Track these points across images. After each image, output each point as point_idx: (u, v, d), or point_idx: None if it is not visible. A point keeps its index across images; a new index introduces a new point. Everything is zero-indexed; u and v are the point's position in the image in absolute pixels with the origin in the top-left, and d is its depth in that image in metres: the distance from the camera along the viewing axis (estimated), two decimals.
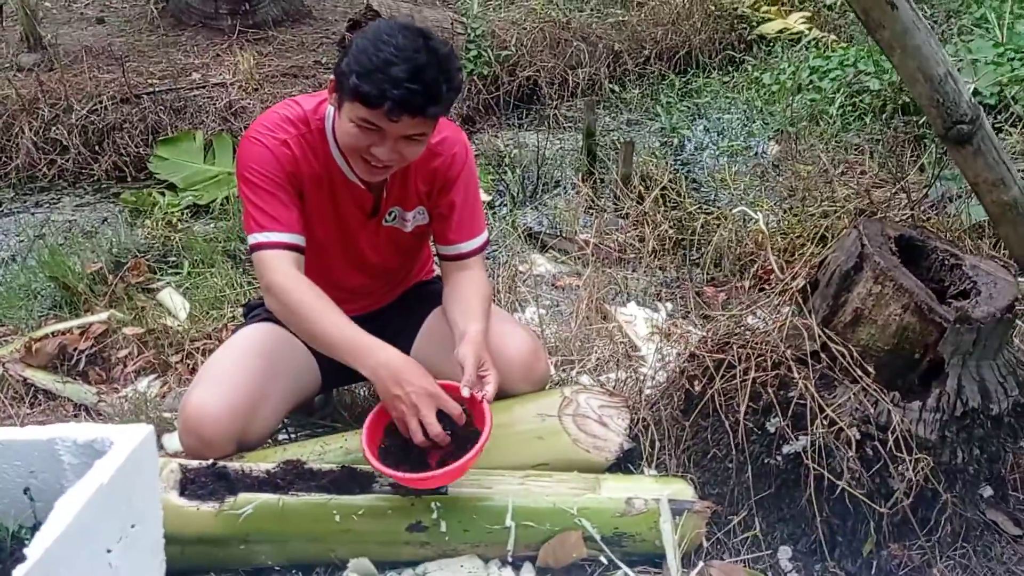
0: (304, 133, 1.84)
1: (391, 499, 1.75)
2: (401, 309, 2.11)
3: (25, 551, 0.94)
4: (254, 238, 1.80)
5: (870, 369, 1.66)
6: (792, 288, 1.83)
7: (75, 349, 2.87)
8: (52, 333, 2.92)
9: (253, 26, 5.97)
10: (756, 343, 1.81)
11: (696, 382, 1.90)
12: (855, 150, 4.22)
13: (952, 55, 4.05)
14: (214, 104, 4.78)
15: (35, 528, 1.05)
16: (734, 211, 3.45)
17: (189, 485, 1.78)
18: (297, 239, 1.81)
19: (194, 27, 6.03)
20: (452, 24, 5.52)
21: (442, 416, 1.70)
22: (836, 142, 4.33)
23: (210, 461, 1.83)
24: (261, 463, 1.84)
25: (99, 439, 1.15)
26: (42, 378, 2.73)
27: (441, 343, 1.97)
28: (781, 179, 4.12)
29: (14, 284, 3.33)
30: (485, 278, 1.99)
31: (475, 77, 5.38)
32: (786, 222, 3.45)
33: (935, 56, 1.43)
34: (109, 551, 1.08)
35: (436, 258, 2.17)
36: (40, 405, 2.60)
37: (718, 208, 3.83)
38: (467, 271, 1.97)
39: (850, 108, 4.66)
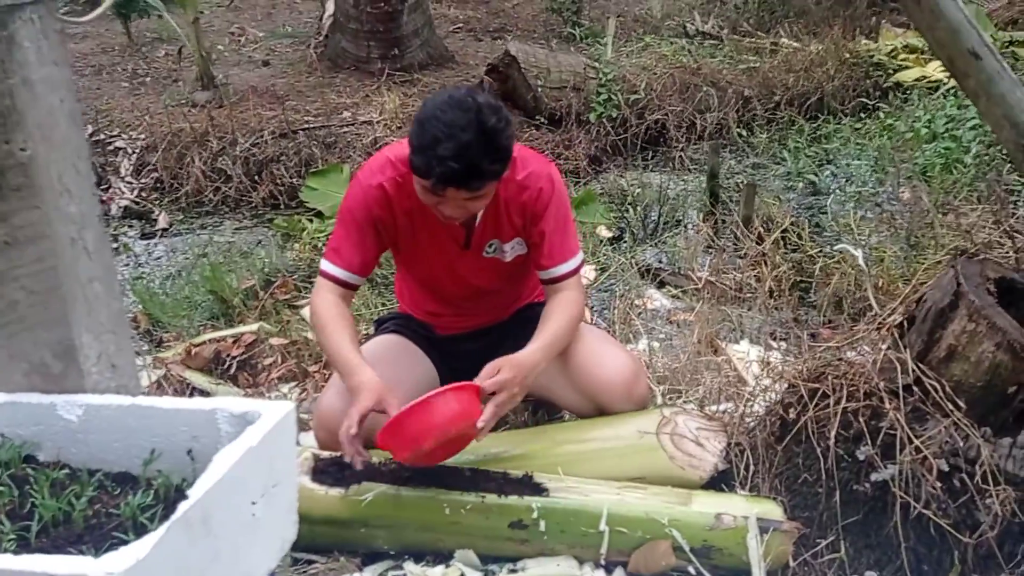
0: (403, 174, 2.01)
1: (494, 497, 1.91)
2: (514, 327, 2.28)
3: (187, 492, 1.16)
4: (322, 264, 2.10)
5: (961, 404, 1.70)
6: (888, 323, 1.89)
7: (228, 355, 3.19)
8: (209, 340, 3.26)
9: (400, 69, 6.40)
10: (851, 375, 1.88)
11: (791, 409, 1.97)
12: (988, 199, 4.12)
13: None
14: (361, 140, 5.16)
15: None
16: (836, 248, 3.45)
17: (319, 473, 2.01)
18: (349, 276, 2.07)
19: (348, 70, 6.51)
20: (585, 69, 5.74)
21: None
22: (969, 190, 4.25)
23: (339, 453, 2.05)
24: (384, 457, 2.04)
25: (251, 411, 1.36)
26: (199, 379, 3.04)
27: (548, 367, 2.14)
28: (907, 224, 4.07)
29: (179, 296, 3.71)
30: (575, 299, 2.10)
31: (604, 120, 5.56)
32: (905, 265, 3.43)
33: (1020, 103, 1.49)
34: (254, 503, 1.28)
35: None
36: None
37: (840, 253, 3.83)
38: (560, 293, 2.10)
39: (986, 158, 4.55)
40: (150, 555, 1.05)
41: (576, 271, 2.10)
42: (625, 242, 4.32)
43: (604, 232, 4.43)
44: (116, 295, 1.52)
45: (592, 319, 3.50)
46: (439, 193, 1.85)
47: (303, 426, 2.63)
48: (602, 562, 1.91)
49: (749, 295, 3.66)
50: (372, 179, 2.03)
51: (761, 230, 3.99)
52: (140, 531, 1.22)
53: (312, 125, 5.28)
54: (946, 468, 1.68)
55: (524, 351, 1.96)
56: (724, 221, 4.41)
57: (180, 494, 1.26)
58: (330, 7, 6.84)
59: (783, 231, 3.93)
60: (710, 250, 4.14)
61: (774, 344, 3.26)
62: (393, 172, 2.03)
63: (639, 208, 4.63)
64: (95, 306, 1.45)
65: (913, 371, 1.77)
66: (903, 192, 4.68)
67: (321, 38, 6.88)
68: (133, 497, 1.30)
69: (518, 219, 2.08)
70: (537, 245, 2.08)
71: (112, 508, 1.31)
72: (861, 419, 1.79)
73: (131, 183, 4.97)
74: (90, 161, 1.46)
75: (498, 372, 1.89)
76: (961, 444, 1.69)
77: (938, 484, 1.68)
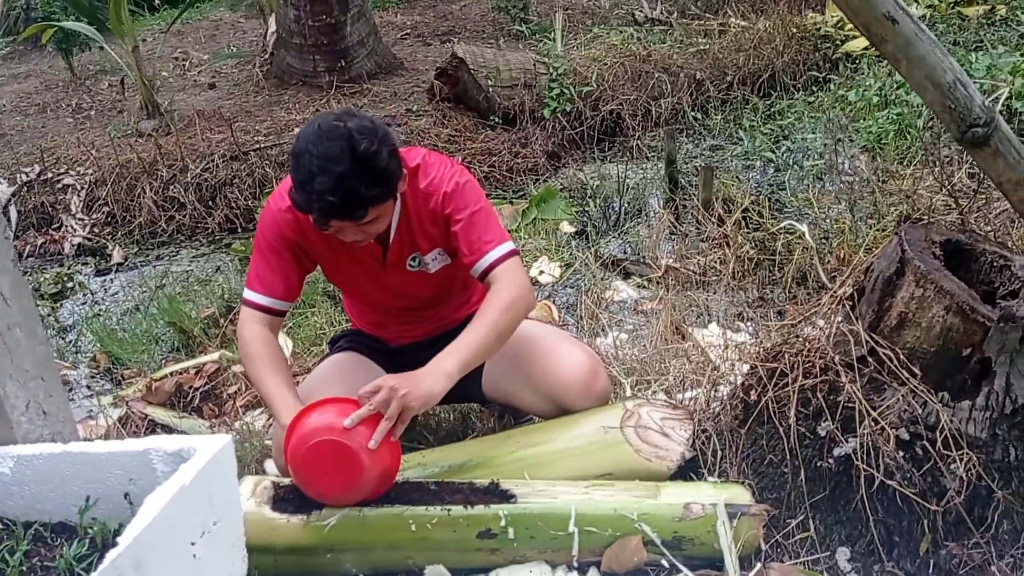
0: None
1: (461, 509, 1.88)
2: None
3: (117, 539, 1.11)
4: (245, 292, 2.05)
5: (917, 371, 1.68)
6: (840, 296, 1.87)
7: (190, 387, 3.13)
8: (171, 373, 3.19)
9: (348, 80, 6.34)
10: (807, 351, 1.86)
11: (752, 391, 1.95)
12: (945, 161, 4.14)
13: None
14: None
15: None
16: (782, 225, 3.46)
17: (280, 501, 1.96)
18: (272, 302, 2.02)
19: (295, 86, 6.44)
20: (535, 65, 5.71)
21: None
22: (924, 155, 4.26)
23: None
24: None
25: (186, 448, 1.32)
26: (161, 414, 2.99)
27: (507, 365, 2.10)
28: (865, 194, 4.08)
29: (138, 331, 3.64)
30: (506, 288, 1.95)
31: (558, 114, 5.54)
32: (859, 236, 3.43)
33: (941, 64, 1.47)
34: (193, 543, 1.24)
35: None
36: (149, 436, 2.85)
37: (792, 227, 3.82)
38: (492, 287, 1.98)
39: (936, 123, 4.56)
40: None
41: (504, 258, 1.98)
42: (588, 236, 4.30)
43: (567, 227, 4.41)
44: (41, 340, 1.47)
45: (559, 316, 3.47)
46: (325, 228, 1.83)
47: (269, 454, 2.59)
48: (575, 564, 1.88)
49: (714, 278, 3.65)
50: (281, 203, 1.99)
51: (721, 212, 3.98)
52: None
53: (263, 145, 5.21)
54: (907, 437, 1.67)
55: (431, 361, 1.89)
56: (685, 206, 4.40)
57: (117, 540, 1.21)
58: (272, 24, 6.76)
59: (744, 211, 3.93)
60: (673, 236, 4.12)
61: (741, 325, 3.25)
62: None
63: (599, 200, 4.61)
64: (17, 353, 1.40)
65: (866, 342, 1.75)
66: (855, 162, 4.69)
67: (266, 56, 6.80)
68: (68, 548, 1.26)
69: (432, 228, 2.04)
70: (457, 247, 2.03)
71: (48, 561, 1.27)
72: (819, 395, 1.77)
73: (83, 220, 4.87)
74: (4, 207, 1.41)
75: (378, 389, 1.81)
76: (920, 411, 1.67)
77: (900, 454, 1.66)
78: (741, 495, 1.87)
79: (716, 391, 2.29)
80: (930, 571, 1.70)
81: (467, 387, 2.19)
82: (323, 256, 2.07)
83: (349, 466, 1.79)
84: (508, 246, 2.00)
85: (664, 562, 1.83)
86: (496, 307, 1.93)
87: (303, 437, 1.79)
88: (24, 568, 1.25)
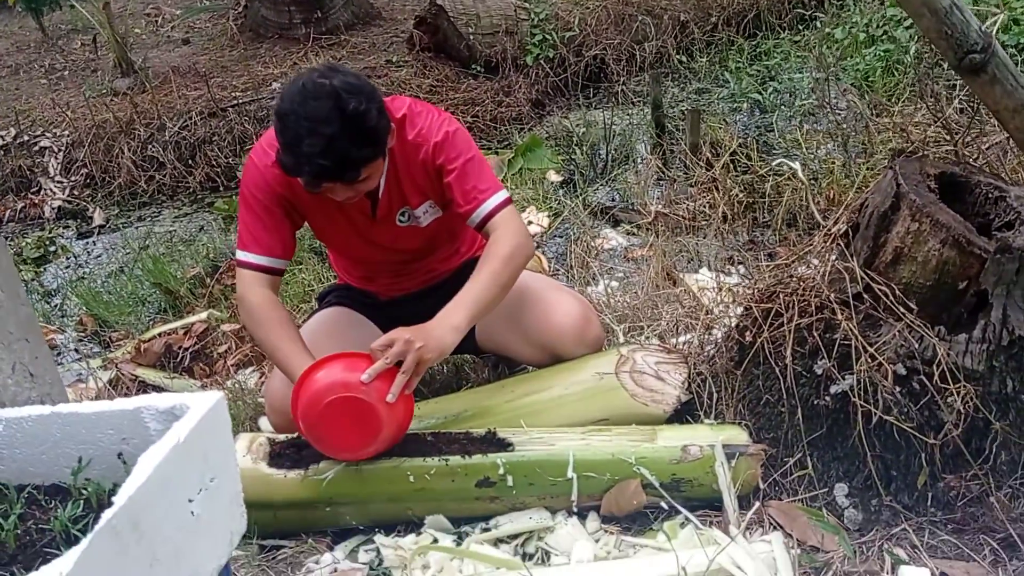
0: None
1: (459, 459, 1.87)
2: (458, 285, 2.22)
3: (113, 499, 1.09)
4: (238, 254, 1.99)
5: (913, 306, 1.67)
6: (834, 233, 1.85)
7: (180, 347, 3.11)
8: (159, 334, 3.17)
9: (326, 32, 6.21)
10: (801, 290, 1.85)
11: (747, 332, 1.94)
12: (931, 97, 4.10)
13: None
14: None
15: None
16: (775, 163, 3.42)
17: (276, 457, 1.95)
18: (272, 262, 1.97)
19: (271, 39, 6.31)
20: (516, 11, 5.60)
21: None
22: (912, 90, 4.22)
23: (295, 435, 1.99)
24: None
25: (178, 405, 1.29)
26: (152, 375, 2.97)
27: (500, 316, 2.08)
28: (850, 132, 4.04)
29: (123, 292, 3.60)
30: (505, 237, 1.93)
31: (541, 61, 5.46)
32: (850, 173, 3.41)
33: None
34: (191, 500, 1.22)
35: None
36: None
37: (788, 169, 3.79)
38: (492, 236, 1.96)
39: (928, 55, 4.51)
40: (75, 570, 0.99)
41: (501, 207, 1.96)
42: (576, 184, 4.26)
43: (554, 176, 4.36)
44: (23, 300, 1.43)
45: (549, 266, 3.45)
46: (316, 190, 1.79)
47: (262, 411, 2.58)
48: (575, 509, 1.88)
49: (704, 223, 3.63)
50: (266, 158, 1.92)
51: (709, 156, 3.94)
52: (73, 544, 1.16)
53: (241, 100, 5.12)
54: (904, 372, 1.66)
55: (438, 315, 1.86)
56: (672, 151, 4.36)
57: (112, 500, 1.19)
58: None
59: (732, 154, 3.89)
60: (661, 182, 4.09)
61: (732, 269, 3.24)
62: None
63: (586, 148, 4.56)
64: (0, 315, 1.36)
65: (862, 278, 1.73)
66: (848, 95, 4.64)
67: (240, 9, 6.65)
68: (63, 510, 1.24)
69: (423, 180, 1.99)
70: (450, 198, 1.99)
71: (43, 523, 1.25)
72: (815, 333, 1.76)
73: (61, 182, 4.79)
74: None
75: (391, 343, 1.78)
76: (916, 346, 1.66)
77: (897, 389, 1.66)
78: (738, 436, 1.87)
79: (710, 334, 2.28)
80: (928, 503, 1.71)
81: (461, 339, 2.17)
82: (311, 212, 2.03)
83: (367, 422, 1.77)
84: (503, 194, 1.98)
85: (663, 504, 1.84)
86: (497, 257, 1.90)
87: (317, 394, 1.75)
88: (19, 531, 1.23)
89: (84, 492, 1.28)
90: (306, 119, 1.68)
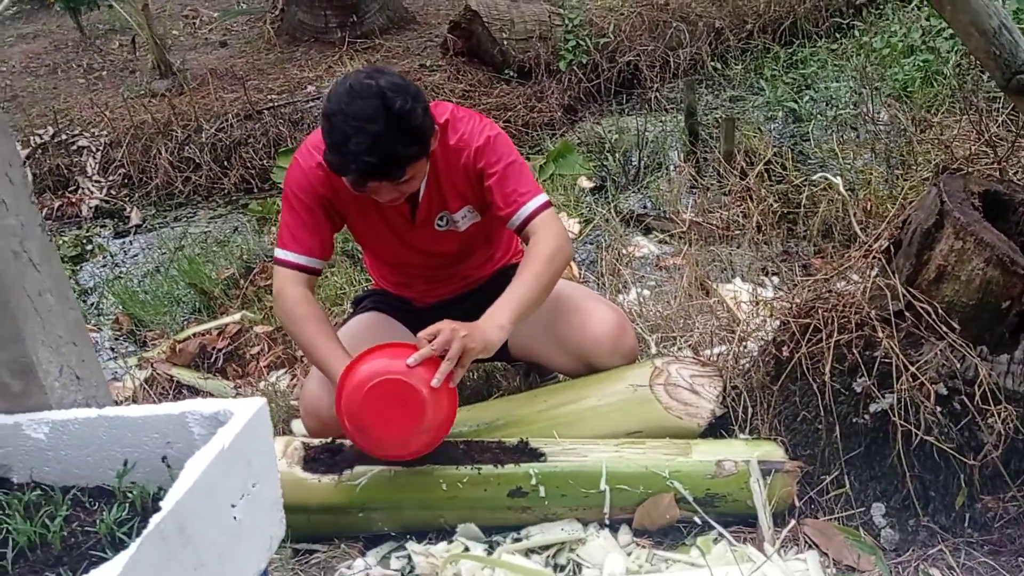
0: None
1: (491, 468, 1.87)
2: (495, 290, 2.23)
3: (160, 503, 1.11)
4: (277, 252, 2.01)
5: (955, 325, 1.65)
6: (875, 249, 1.83)
7: (214, 348, 3.14)
8: (193, 335, 3.20)
9: (361, 36, 6.26)
10: (841, 306, 1.83)
11: (784, 347, 1.93)
12: (971, 110, 4.05)
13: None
14: None
15: None
16: (815, 177, 3.39)
17: (311, 461, 1.97)
18: (311, 261, 1.99)
19: (307, 42, 6.37)
20: (550, 17, 5.61)
21: None
22: (952, 102, 4.17)
23: (329, 439, 2.01)
24: None
25: (222, 411, 1.31)
26: (186, 375, 3.00)
27: (534, 323, 2.08)
28: (892, 144, 4.00)
29: (159, 292, 3.65)
30: (546, 240, 1.94)
31: (575, 67, 5.45)
32: (890, 186, 3.37)
33: (986, 9, 1.42)
34: (234, 506, 1.24)
35: None
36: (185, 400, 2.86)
37: (825, 179, 3.76)
38: (532, 239, 1.97)
39: (966, 67, 4.46)
40: (123, 574, 1.01)
41: (540, 210, 1.96)
42: (607, 191, 4.25)
43: (585, 183, 4.36)
44: (72, 304, 1.45)
45: (580, 273, 3.45)
46: (362, 189, 1.80)
47: (295, 414, 2.60)
48: (606, 521, 1.88)
49: (737, 232, 3.61)
50: (311, 159, 1.95)
51: (744, 164, 3.92)
52: (118, 547, 1.18)
53: (277, 103, 5.17)
54: (945, 392, 1.64)
55: (483, 316, 1.86)
56: (706, 159, 4.34)
57: (157, 504, 1.21)
58: None
59: (766, 163, 3.86)
60: (694, 190, 4.07)
61: (766, 280, 3.22)
62: None
63: (618, 155, 4.55)
64: (49, 319, 1.39)
65: (904, 296, 1.72)
66: (882, 112, 4.59)
67: (277, 12, 6.71)
68: (108, 512, 1.26)
69: (463, 184, 2.01)
70: (491, 202, 2.01)
71: (89, 525, 1.27)
72: (855, 350, 1.75)
73: (99, 182, 4.86)
74: (25, 170, 1.38)
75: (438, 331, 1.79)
76: (958, 365, 1.64)
77: (938, 409, 1.64)
78: (774, 452, 1.86)
79: (744, 347, 2.27)
80: (965, 524, 1.69)
81: None
82: (352, 215, 2.05)
83: (411, 407, 1.75)
84: (543, 197, 1.99)
85: (697, 519, 1.83)
86: (539, 259, 1.91)
87: (361, 381, 1.75)
88: (65, 533, 1.25)
89: (129, 495, 1.30)
90: (353, 118, 1.70)
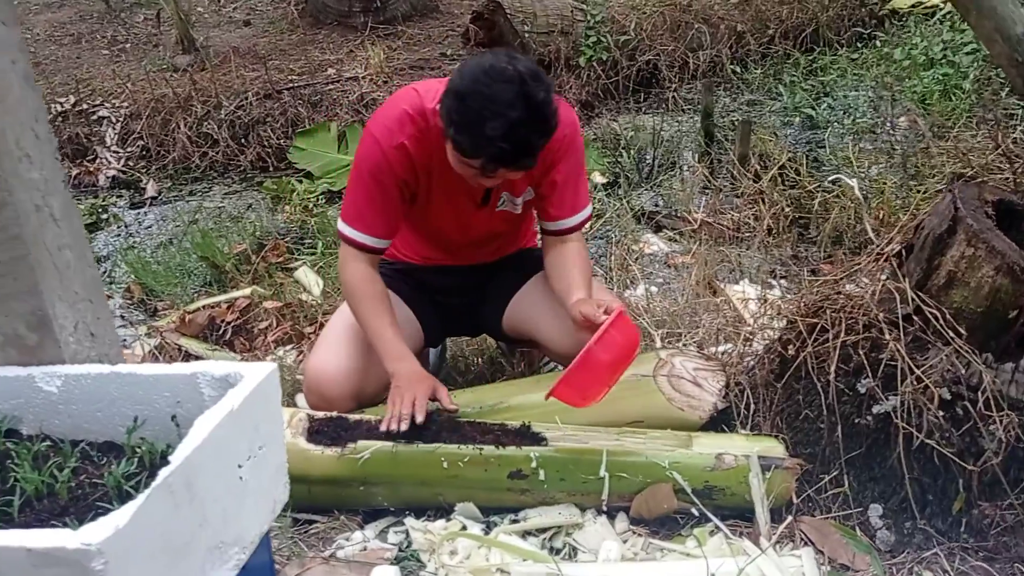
0: (423, 130, 1.90)
1: (493, 449, 1.89)
2: (503, 267, 2.25)
3: (169, 458, 1.13)
4: (343, 227, 2.00)
5: (962, 331, 1.66)
6: (887, 253, 1.84)
7: (223, 321, 3.17)
8: (203, 307, 3.23)
9: (384, 22, 6.27)
10: (849, 307, 1.84)
11: (790, 346, 1.94)
12: (989, 124, 4.04)
13: None
14: (347, 97, 5.07)
15: None
16: (831, 179, 3.40)
17: (315, 433, 1.99)
18: (377, 242, 2.00)
19: (330, 25, 6.38)
20: (572, 11, 5.61)
21: None
22: (969, 116, 4.17)
23: (333, 413, 2.03)
24: (377, 416, 2.02)
25: (232, 373, 1.33)
26: (195, 346, 3.02)
27: (537, 304, 2.11)
28: (908, 154, 4.00)
29: (171, 264, 3.67)
30: (583, 250, 2.07)
31: (594, 63, 5.45)
32: (904, 195, 3.38)
33: (1012, 15, 1.43)
34: (240, 466, 1.26)
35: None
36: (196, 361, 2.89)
37: (839, 186, 3.77)
38: (567, 244, 2.05)
39: (985, 82, 4.46)
40: (131, 523, 1.02)
41: (584, 223, 2.05)
42: (620, 187, 4.26)
43: (599, 178, 4.37)
44: (90, 262, 1.47)
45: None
46: (488, 174, 1.78)
47: (300, 388, 2.62)
48: (604, 508, 1.89)
49: (747, 234, 3.62)
50: (392, 139, 1.90)
51: (758, 168, 3.92)
52: (125, 500, 1.19)
53: (296, 84, 5.18)
54: (948, 397, 1.65)
55: (579, 297, 1.95)
56: (720, 161, 4.35)
57: (165, 461, 1.23)
58: None
59: (780, 168, 3.87)
60: (706, 191, 4.08)
61: (774, 282, 3.23)
62: (412, 128, 1.90)
63: (633, 152, 4.56)
64: (67, 274, 1.41)
65: (913, 300, 1.73)
66: (901, 121, 4.60)
67: None
68: (117, 466, 1.27)
69: (536, 168, 1.96)
70: (547, 195, 2.01)
71: (96, 478, 1.28)
72: (861, 352, 1.76)
73: (117, 152, 4.89)
74: (49, 125, 1.40)
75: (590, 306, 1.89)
76: (963, 371, 1.65)
77: (941, 413, 1.65)
78: (774, 448, 1.87)
79: (750, 346, 2.28)
80: (961, 529, 1.70)
81: (485, 316, 2.24)
82: (426, 197, 2.02)
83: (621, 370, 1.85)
84: (589, 210, 2.09)
85: (694, 510, 1.84)
86: (583, 267, 2.05)
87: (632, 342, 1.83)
88: (72, 484, 1.26)
89: (138, 451, 1.32)
90: (491, 100, 1.66)
